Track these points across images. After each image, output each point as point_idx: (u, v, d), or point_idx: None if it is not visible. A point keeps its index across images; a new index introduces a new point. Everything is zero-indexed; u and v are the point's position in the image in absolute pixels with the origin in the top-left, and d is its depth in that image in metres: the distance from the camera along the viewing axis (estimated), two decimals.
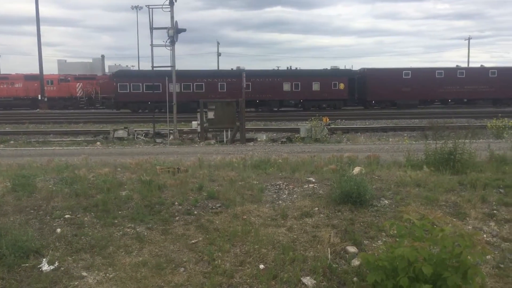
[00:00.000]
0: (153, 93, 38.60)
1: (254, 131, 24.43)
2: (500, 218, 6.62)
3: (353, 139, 21.04)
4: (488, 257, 5.52)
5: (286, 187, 7.83)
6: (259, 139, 20.55)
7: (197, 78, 41.27)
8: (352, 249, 5.68)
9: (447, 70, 43.82)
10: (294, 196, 7.38)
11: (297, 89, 42.57)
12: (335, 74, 43.55)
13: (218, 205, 6.99)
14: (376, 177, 8.51)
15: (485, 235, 6.14)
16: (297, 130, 21.93)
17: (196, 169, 9.32)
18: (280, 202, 7.13)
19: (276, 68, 46.97)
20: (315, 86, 42.60)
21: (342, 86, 42.65)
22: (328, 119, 24.42)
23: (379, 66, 48.99)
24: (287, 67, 47.30)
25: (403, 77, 42.77)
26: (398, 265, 4.26)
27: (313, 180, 8.23)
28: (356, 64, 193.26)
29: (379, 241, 5.88)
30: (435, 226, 5.26)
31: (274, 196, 7.41)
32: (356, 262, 5.35)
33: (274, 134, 23.58)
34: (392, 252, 4.42)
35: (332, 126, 25.57)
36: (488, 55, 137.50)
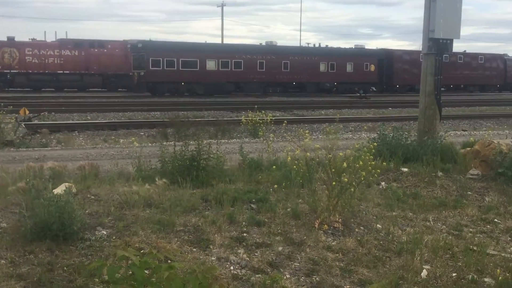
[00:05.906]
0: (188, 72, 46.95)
1: None
2: (250, 242, 7.42)
3: (67, 141, 20.78)
4: None
5: None
6: None
7: (236, 54, 49.21)
8: None
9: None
10: None
11: (332, 70, 52.43)
12: (366, 54, 54.39)
13: None
14: (92, 197, 8.65)
15: (232, 267, 6.76)
16: None
17: None
18: None
19: (307, 45, 58.54)
20: (349, 67, 52.89)
21: (373, 67, 53.22)
22: (27, 111, 23.53)
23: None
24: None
25: None
26: None
27: None
28: (73, 31, 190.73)
29: None
30: (169, 262, 5.49)
31: None
32: None
33: None
34: None
35: (36, 122, 24.75)
36: (246, 29, 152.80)
